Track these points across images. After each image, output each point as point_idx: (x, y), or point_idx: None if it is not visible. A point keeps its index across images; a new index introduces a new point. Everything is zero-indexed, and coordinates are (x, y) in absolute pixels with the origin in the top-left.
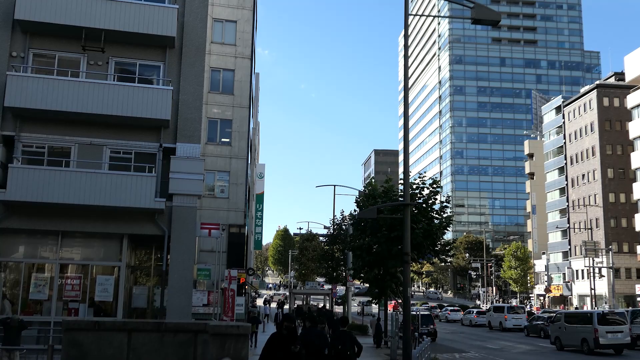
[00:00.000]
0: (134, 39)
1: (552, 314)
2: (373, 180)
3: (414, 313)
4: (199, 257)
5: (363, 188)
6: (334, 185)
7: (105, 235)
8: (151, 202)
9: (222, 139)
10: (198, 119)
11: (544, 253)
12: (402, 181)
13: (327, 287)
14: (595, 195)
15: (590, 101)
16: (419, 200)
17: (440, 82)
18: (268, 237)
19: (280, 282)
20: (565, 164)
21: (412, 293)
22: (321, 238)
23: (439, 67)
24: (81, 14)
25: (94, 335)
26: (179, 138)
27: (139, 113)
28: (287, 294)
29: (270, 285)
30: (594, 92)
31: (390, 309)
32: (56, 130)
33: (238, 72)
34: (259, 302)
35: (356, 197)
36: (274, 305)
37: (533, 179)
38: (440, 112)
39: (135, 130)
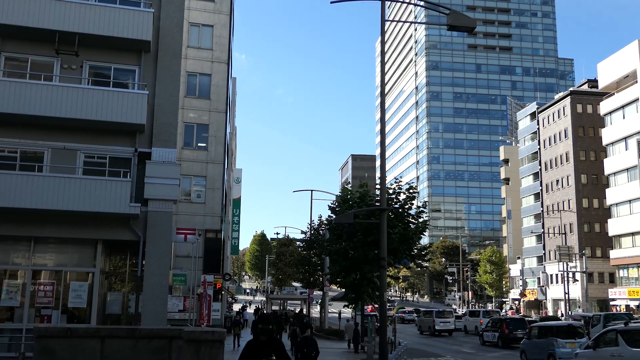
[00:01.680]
0: (109, 43)
1: (527, 318)
2: (349, 185)
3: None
4: (174, 262)
5: (340, 193)
6: (311, 190)
7: (79, 241)
8: (126, 207)
9: (199, 144)
10: (174, 123)
11: (519, 258)
12: (378, 186)
13: (301, 290)
14: (569, 200)
15: (564, 108)
16: (396, 205)
17: (417, 87)
18: (245, 242)
19: (257, 287)
20: (540, 169)
21: (389, 297)
22: (298, 243)
23: (416, 73)
24: (54, 18)
25: (66, 342)
26: (154, 143)
27: (114, 117)
28: (264, 299)
29: (247, 291)
30: (568, 99)
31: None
32: (29, 135)
33: (215, 77)
34: (236, 307)
35: (329, 205)
36: (250, 310)
37: (508, 184)
38: (417, 117)
39: (110, 134)
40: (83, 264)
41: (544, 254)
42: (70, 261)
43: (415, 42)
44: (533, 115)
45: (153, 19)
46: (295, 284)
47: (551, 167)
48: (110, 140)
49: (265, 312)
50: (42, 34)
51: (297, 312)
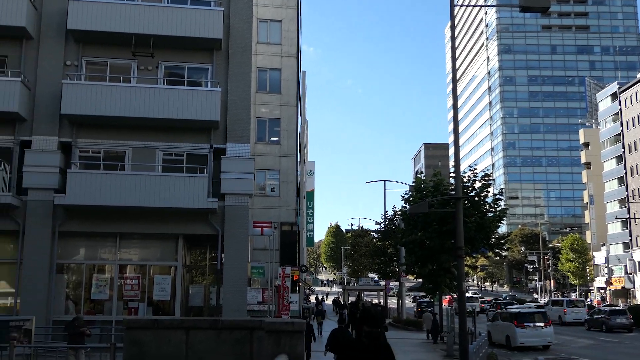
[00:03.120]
0: (182, 43)
1: (613, 307)
2: (422, 175)
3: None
4: (252, 255)
5: (413, 183)
6: (384, 181)
7: (161, 235)
8: (204, 203)
9: (271, 138)
10: (247, 119)
11: (603, 245)
12: (452, 174)
13: (376, 281)
14: None
15: None
16: (471, 194)
17: (489, 72)
18: (320, 234)
19: (333, 278)
20: (623, 152)
21: (467, 287)
22: (373, 234)
23: (488, 58)
24: (130, 21)
25: (153, 334)
26: (228, 138)
27: (189, 115)
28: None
29: (324, 282)
30: None
31: (445, 303)
32: (110, 135)
33: (284, 71)
34: (312, 298)
35: (401, 196)
36: (328, 302)
37: (589, 168)
38: (490, 103)
39: (186, 132)
40: (165, 258)
41: (631, 240)
42: (153, 255)
43: (486, 25)
44: (614, 96)
45: (223, 17)
46: (371, 274)
47: (635, 150)
48: (186, 137)
49: (371, 308)
50: (119, 38)
51: (373, 302)
